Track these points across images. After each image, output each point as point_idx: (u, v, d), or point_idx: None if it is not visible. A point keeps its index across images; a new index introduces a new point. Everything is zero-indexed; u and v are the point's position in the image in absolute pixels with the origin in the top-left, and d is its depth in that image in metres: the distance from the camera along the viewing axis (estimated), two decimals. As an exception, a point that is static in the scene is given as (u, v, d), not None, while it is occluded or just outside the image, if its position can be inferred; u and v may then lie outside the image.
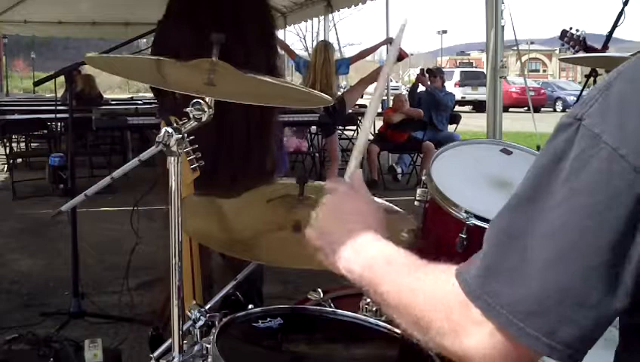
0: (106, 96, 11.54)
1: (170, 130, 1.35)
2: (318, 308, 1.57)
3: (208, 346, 1.33)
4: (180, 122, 1.41)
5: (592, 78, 3.97)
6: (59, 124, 8.76)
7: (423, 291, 0.78)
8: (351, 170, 1.02)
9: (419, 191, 1.71)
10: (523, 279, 0.69)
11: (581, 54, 4.12)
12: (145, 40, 3.45)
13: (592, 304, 0.67)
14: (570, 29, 4.22)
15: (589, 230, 0.66)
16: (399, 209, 1.72)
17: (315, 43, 13.79)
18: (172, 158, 1.37)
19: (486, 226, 1.51)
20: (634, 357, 0.73)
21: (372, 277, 0.85)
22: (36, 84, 4.45)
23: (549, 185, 0.69)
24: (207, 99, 1.38)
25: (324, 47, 6.64)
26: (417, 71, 7.61)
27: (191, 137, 1.72)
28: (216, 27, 1.62)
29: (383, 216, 0.97)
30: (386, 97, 9.82)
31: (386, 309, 0.83)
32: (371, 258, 0.87)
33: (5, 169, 8.24)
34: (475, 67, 32.41)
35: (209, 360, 1.32)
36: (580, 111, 0.70)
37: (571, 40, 4.18)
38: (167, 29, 2.62)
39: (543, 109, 22.47)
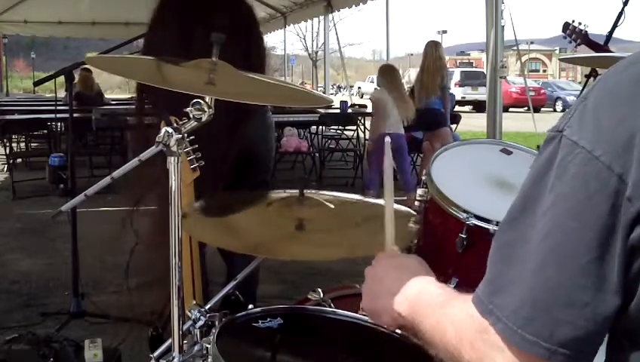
0: (106, 96, 11.53)
1: (170, 130, 1.35)
2: (318, 308, 1.57)
3: (208, 346, 1.33)
4: (180, 122, 1.41)
5: (592, 78, 3.97)
6: (59, 124, 8.77)
7: (451, 325, 0.81)
8: (389, 246, 1.10)
9: (419, 191, 1.71)
10: (521, 287, 0.71)
11: (582, 51, 4.12)
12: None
13: (584, 303, 0.68)
14: (573, 21, 4.21)
15: (573, 231, 0.69)
16: (403, 206, 1.73)
17: (314, 43, 13.76)
18: (172, 158, 1.37)
19: (486, 226, 1.52)
20: (622, 357, 0.73)
21: (414, 318, 0.90)
22: (36, 84, 4.46)
23: (538, 196, 0.73)
24: (207, 99, 1.38)
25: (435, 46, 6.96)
26: (417, 71, 7.64)
27: (191, 137, 1.72)
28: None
29: (423, 264, 1.03)
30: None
31: (432, 350, 0.86)
32: (412, 300, 0.92)
33: (5, 169, 8.24)
34: (475, 67, 32.38)
35: (209, 360, 1.32)
36: (561, 123, 0.74)
37: (573, 33, 4.18)
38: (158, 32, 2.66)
39: (543, 109, 22.48)
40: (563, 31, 4.23)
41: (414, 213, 1.65)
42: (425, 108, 6.94)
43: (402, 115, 6.51)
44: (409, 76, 9.24)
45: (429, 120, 7.50)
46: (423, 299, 0.90)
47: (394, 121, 6.60)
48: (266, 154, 2.98)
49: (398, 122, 6.59)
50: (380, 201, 1.84)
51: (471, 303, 0.77)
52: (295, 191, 1.61)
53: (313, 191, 1.68)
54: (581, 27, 4.15)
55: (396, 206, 1.73)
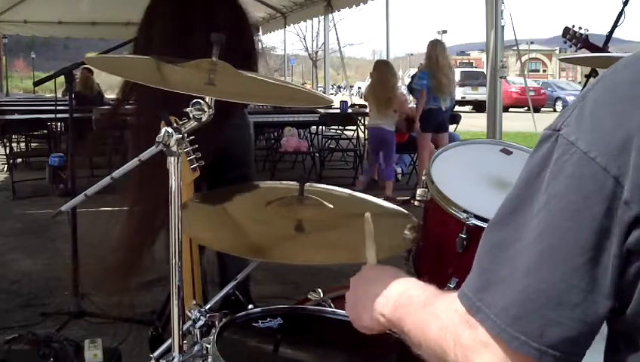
0: (106, 96, 11.52)
1: (170, 130, 1.35)
2: (318, 308, 1.57)
3: (208, 346, 1.33)
4: (180, 122, 1.41)
5: (592, 78, 3.97)
6: (59, 124, 8.77)
7: (436, 322, 0.80)
8: (371, 260, 1.14)
9: (419, 191, 1.71)
10: (511, 286, 0.71)
11: (582, 53, 4.13)
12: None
13: (574, 304, 0.68)
14: (573, 26, 4.22)
15: (566, 232, 0.68)
16: (402, 209, 1.72)
17: (314, 43, 13.88)
18: (172, 158, 1.37)
19: (486, 226, 1.52)
20: (619, 358, 0.73)
21: (398, 318, 0.89)
22: (36, 84, 4.46)
23: (532, 195, 0.72)
24: (207, 99, 1.38)
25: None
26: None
27: (191, 137, 1.72)
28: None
29: (402, 272, 1.04)
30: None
31: (416, 349, 0.85)
32: (395, 300, 0.92)
33: (5, 169, 8.24)
34: (475, 67, 32.37)
35: (209, 360, 1.32)
36: (558, 122, 0.73)
37: (574, 37, 4.19)
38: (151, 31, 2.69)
39: (543, 109, 22.48)
40: (563, 36, 4.24)
41: (412, 217, 1.65)
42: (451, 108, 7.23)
43: (381, 108, 6.91)
44: (409, 77, 9.29)
45: (450, 121, 7.68)
46: (405, 299, 0.90)
47: (373, 114, 7.11)
48: (245, 150, 3.05)
49: (377, 115, 7.03)
50: (372, 198, 1.85)
51: (456, 299, 0.77)
52: (293, 183, 1.61)
53: (313, 186, 1.68)
54: (581, 32, 4.16)
55: (396, 207, 1.74)
